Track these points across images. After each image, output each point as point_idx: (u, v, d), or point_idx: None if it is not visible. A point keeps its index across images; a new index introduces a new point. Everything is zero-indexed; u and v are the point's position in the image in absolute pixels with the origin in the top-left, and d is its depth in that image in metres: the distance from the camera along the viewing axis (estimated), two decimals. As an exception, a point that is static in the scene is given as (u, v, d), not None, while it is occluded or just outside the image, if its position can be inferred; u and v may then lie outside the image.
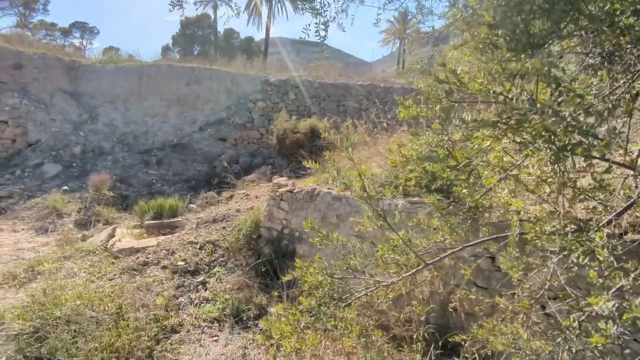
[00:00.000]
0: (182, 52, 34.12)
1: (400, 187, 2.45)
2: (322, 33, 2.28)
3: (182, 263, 4.87)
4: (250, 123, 12.11)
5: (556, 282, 1.50)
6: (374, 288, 1.81)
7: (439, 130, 1.51)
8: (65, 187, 8.26)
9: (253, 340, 3.49)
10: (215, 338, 3.61)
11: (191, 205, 7.83)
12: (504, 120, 1.26)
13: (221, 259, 4.93)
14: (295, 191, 4.80)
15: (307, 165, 1.99)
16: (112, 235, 5.96)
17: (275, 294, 4.03)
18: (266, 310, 3.98)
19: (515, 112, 1.11)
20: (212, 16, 33.31)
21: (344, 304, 1.76)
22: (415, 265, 1.74)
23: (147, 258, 5.09)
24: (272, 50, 29.34)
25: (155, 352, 3.26)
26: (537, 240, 1.43)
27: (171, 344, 3.44)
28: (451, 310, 2.69)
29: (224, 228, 5.62)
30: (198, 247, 5.19)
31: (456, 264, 2.70)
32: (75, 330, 3.28)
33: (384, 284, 1.81)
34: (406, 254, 1.74)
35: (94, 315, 3.56)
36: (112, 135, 10.96)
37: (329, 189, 4.48)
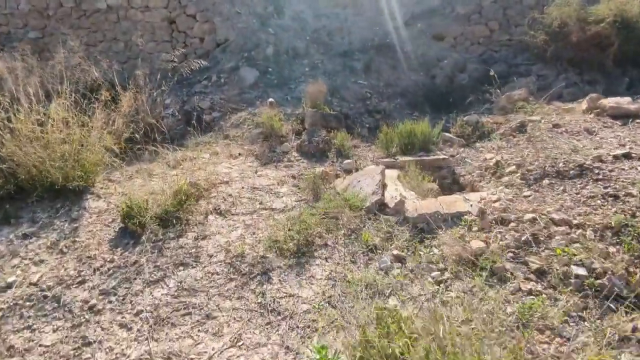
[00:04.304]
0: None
1: None
2: None
3: None
4: (477, 14, 8.67)
5: None
6: None
7: None
8: (271, 100, 6.51)
9: None
10: None
11: (445, 134, 5.38)
12: None
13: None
14: None
15: None
16: (383, 184, 3.88)
17: None
18: None
19: None
20: None
21: None
22: None
23: (501, 241, 2.85)
24: None
25: None
26: None
27: None
28: None
29: None
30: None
31: None
32: None
33: None
34: None
35: None
36: (303, 33, 8.81)
37: None
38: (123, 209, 3.58)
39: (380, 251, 3.02)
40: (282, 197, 4.09)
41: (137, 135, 5.06)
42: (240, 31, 8.50)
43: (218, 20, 8.45)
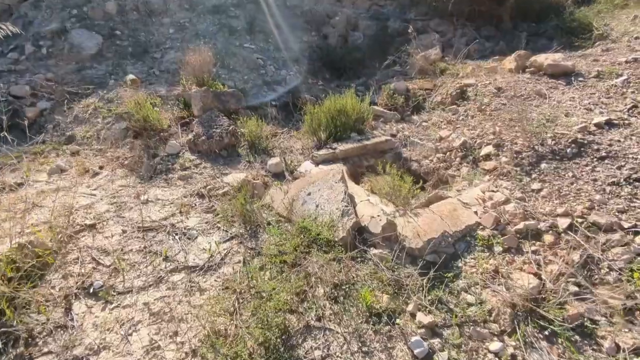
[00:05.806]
0: None
1: None
2: None
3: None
4: (359, -38, 7.73)
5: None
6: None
7: None
8: (132, 76, 4.56)
9: None
10: None
11: (375, 108, 4.43)
12: None
13: None
14: None
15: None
16: (350, 195, 2.72)
17: None
18: None
19: None
20: None
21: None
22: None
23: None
24: None
25: None
26: None
27: None
28: None
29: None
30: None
31: None
32: None
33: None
34: None
35: None
36: (154, -18, 6.61)
37: None
38: None
39: (397, 319, 1.95)
40: (196, 238, 2.61)
41: None
42: (57, -23, 5.90)
43: (17, -40, 5.69)
